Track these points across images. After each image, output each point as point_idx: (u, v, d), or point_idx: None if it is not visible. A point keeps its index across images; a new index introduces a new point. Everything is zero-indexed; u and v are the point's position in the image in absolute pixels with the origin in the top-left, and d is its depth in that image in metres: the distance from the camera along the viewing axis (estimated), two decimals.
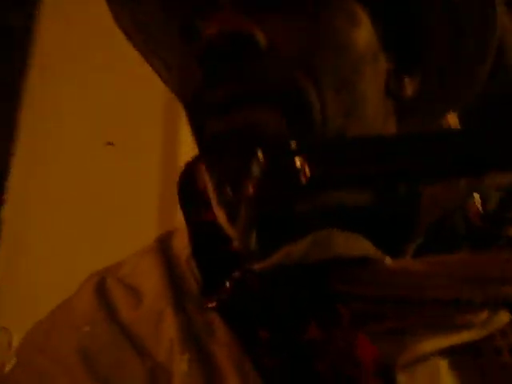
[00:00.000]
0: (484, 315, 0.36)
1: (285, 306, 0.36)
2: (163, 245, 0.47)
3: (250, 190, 0.30)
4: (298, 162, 0.29)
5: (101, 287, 0.43)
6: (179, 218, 0.99)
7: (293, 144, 0.31)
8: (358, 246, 0.37)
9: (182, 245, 0.46)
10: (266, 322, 0.36)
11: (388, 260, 0.37)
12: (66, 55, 1.14)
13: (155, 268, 0.44)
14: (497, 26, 0.44)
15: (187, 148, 1.15)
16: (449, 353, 0.35)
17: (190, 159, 0.51)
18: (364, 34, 0.41)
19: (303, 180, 0.29)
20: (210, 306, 0.38)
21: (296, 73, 0.38)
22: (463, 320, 0.35)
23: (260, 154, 0.30)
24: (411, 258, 0.39)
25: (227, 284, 0.37)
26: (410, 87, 0.45)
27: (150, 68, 1.14)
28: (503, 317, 0.36)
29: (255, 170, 0.30)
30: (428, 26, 0.45)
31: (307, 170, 0.29)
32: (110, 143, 1.06)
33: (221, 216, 0.43)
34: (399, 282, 0.36)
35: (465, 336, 0.35)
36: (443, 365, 0.35)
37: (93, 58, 1.16)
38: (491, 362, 0.35)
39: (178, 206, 1.02)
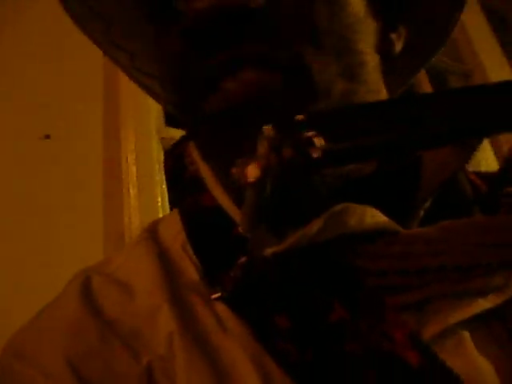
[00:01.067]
0: (501, 279, 0.35)
1: (303, 289, 0.35)
2: (152, 234, 0.44)
3: (257, 170, 0.28)
4: (308, 135, 0.27)
5: (86, 287, 0.40)
6: (125, 216, 0.96)
7: (300, 117, 0.29)
8: (374, 219, 0.36)
9: (172, 232, 0.43)
10: (284, 308, 0.34)
11: (402, 230, 0.37)
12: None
13: (147, 259, 0.41)
14: None
15: (129, 141, 1.12)
16: (473, 323, 0.34)
17: (172, 145, 0.49)
18: None
19: (315, 154, 0.26)
20: (214, 297, 0.36)
21: (294, 35, 0.37)
22: (483, 284, 0.35)
23: (267, 130, 0.27)
24: (426, 226, 0.38)
25: (232, 272, 0.34)
26: (397, 44, 0.45)
27: (89, 56, 1.10)
28: None
29: (261, 147, 0.28)
30: None
31: (319, 143, 0.26)
32: (47, 136, 0.99)
33: (224, 200, 0.41)
34: (417, 251, 0.35)
35: (486, 303, 0.35)
36: (468, 335, 0.34)
37: (28, 46, 1.09)
38: None
39: (124, 204, 0.98)
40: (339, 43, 0.38)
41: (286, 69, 0.36)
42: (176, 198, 0.46)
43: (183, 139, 0.48)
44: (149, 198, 1.05)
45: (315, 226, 0.35)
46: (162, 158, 1.19)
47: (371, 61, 0.41)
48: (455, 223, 0.37)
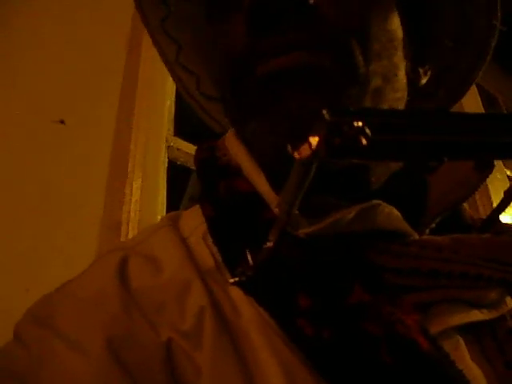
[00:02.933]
0: (496, 295, 0.39)
1: (325, 271, 0.37)
2: (173, 223, 0.46)
3: (309, 149, 0.29)
4: (359, 123, 0.29)
5: (123, 263, 0.40)
6: (126, 206, 0.96)
7: (352, 108, 0.31)
8: (398, 220, 0.40)
9: (192, 224, 0.45)
10: (305, 288, 0.36)
11: (416, 236, 0.41)
12: (15, 29, 1.07)
13: (171, 241, 0.43)
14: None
15: (139, 139, 1.12)
16: (468, 329, 0.38)
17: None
18: (396, 17, 0.45)
19: (363, 142, 0.28)
20: (232, 281, 0.37)
21: (346, 31, 0.41)
22: (481, 296, 0.39)
23: (326, 114, 0.29)
24: (437, 235, 0.41)
25: (258, 256, 0.35)
26: (423, 78, 0.50)
27: (107, 46, 1.12)
28: (510, 302, 0.40)
29: (318, 129, 0.29)
30: (439, 15, 0.50)
31: (368, 132, 0.29)
32: (61, 121, 0.99)
33: (260, 182, 0.43)
34: (430, 254, 0.39)
35: (482, 315, 0.38)
36: (463, 342, 0.37)
37: (47, 31, 1.10)
38: (506, 341, 0.38)
39: (126, 193, 0.98)
40: (381, 50, 0.43)
41: (336, 55, 0.40)
42: (206, 186, 0.47)
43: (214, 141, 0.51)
44: (150, 197, 1.05)
45: (348, 213, 0.38)
46: (166, 163, 1.20)
47: (402, 77, 0.46)
48: (466, 237, 0.41)
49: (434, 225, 0.45)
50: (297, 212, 0.33)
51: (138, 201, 1.01)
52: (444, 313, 0.38)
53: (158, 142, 1.16)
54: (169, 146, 1.24)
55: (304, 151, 0.30)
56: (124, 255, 0.41)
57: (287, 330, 0.35)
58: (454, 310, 0.38)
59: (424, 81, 0.50)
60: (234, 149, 0.48)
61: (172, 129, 1.29)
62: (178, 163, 1.27)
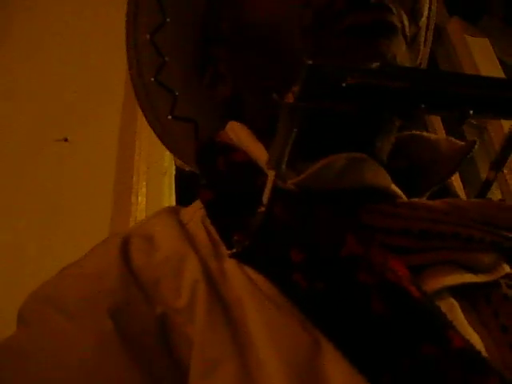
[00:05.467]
0: (491, 259, 0.39)
1: (317, 225, 0.37)
2: (173, 210, 0.47)
3: (294, 94, 0.31)
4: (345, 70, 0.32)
5: (125, 243, 0.42)
6: (133, 217, 0.98)
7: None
8: (386, 181, 0.41)
9: (191, 210, 0.46)
10: (298, 243, 0.37)
11: (404, 198, 0.42)
12: (18, 44, 1.10)
13: (169, 222, 0.44)
14: None
15: (143, 150, 1.14)
16: (463, 294, 0.38)
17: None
18: None
19: (343, 84, 0.31)
20: (230, 253, 0.39)
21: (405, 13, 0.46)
22: (475, 259, 0.39)
23: (307, 61, 0.31)
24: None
25: (253, 221, 0.37)
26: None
27: (109, 62, 1.13)
28: (506, 268, 0.40)
29: (301, 75, 0.32)
30: None
31: (349, 79, 0.31)
32: (64, 139, 1.02)
33: (257, 149, 0.45)
34: (422, 215, 0.39)
35: (476, 278, 0.38)
36: (457, 305, 0.37)
37: (48, 49, 1.12)
38: (501, 306, 0.37)
39: (132, 209, 1.00)
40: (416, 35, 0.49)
41: (401, 18, 0.46)
42: (205, 168, 0.49)
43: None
44: (156, 206, 1.06)
45: (336, 161, 0.40)
46: (172, 172, 1.22)
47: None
48: (458, 200, 0.42)
49: (434, 188, 0.47)
50: (284, 167, 0.35)
51: (144, 210, 1.03)
52: (437, 274, 0.38)
53: (161, 151, 1.18)
54: None
55: (289, 99, 0.32)
56: (126, 236, 0.42)
57: (283, 288, 0.36)
58: (447, 272, 0.38)
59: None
60: (235, 129, 0.49)
61: None
62: (187, 170, 1.28)
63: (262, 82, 0.48)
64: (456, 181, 1.16)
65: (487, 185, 0.45)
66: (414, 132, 0.52)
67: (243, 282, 0.37)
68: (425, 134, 0.52)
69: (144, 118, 1.15)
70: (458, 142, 0.49)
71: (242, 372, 0.33)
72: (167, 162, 1.20)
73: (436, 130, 1.76)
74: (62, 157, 1.01)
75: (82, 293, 0.38)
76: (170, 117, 0.59)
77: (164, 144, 0.63)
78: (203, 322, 0.35)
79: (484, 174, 0.46)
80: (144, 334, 0.35)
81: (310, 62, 0.31)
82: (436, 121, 1.67)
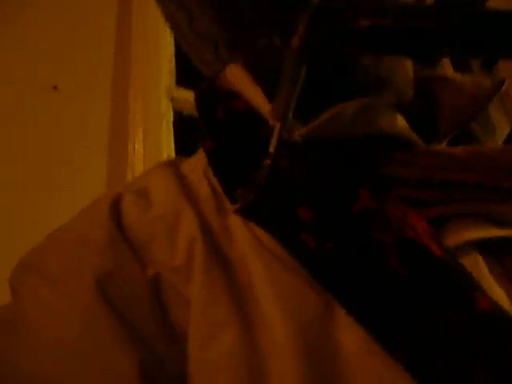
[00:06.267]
0: None
1: (326, 179, 0.35)
2: (172, 162, 0.45)
3: (298, 38, 0.28)
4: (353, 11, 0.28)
5: (116, 200, 0.39)
6: (129, 172, 0.96)
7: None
8: (403, 126, 0.38)
9: (192, 162, 0.44)
10: (306, 200, 0.34)
11: (423, 144, 0.38)
12: None
13: (165, 177, 0.41)
14: None
15: (137, 97, 1.10)
16: (488, 249, 0.34)
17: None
18: None
19: (357, 25, 0.27)
20: (234, 209, 0.36)
21: None
22: (501, 211, 0.36)
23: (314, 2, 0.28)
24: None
25: (258, 174, 0.34)
26: None
27: (102, 8, 1.08)
28: None
29: (304, 18, 0.28)
30: None
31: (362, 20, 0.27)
32: (54, 87, 0.98)
33: (257, 95, 0.41)
34: (443, 164, 0.36)
35: (501, 232, 0.35)
36: (482, 260, 0.33)
37: None
38: None
39: (129, 159, 0.97)
40: None
41: None
42: (205, 116, 0.45)
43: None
44: (154, 151, 1.04)
45: (346, 108, 0.36)
46: (170, 117, 1.18)
47: None
48: (481, 147, 0.38)
49: (445, 142, 0.42)
50: (291, 117, 0.31)
51: (142, 158, 1.00)
52: (460, 228, 0.34)
53: (157, 95, 1.14)
54: (173, 98, 1.22)
55: (293, 43, 0.29)
56: (118, 194, 0.40)
57: (290, 248, 0.33)
58: (471, 225, 0.35)
59: None
60: (235, 75, 0.45)
61: (173, 79, 1.26)
62: (184, 114, 1.25)
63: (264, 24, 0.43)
64: None
65: None
66: (437, 73, 0.47)
67: (248, 239, 0.35)
68: (450, 74, 0.46)
69: (138, 61, 1.12)
70: (485, 81, 0.43)
71: (245, 334, 0.30)
72: (164, 107, 1.16)
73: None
74: (51, 105, 0.97)
75: (68, 258, 0.36)
76: None
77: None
78: (201, 281, 0.33)
79: (497, 124, 0.42)
80: (134, 298, 0.33)
81: (316, 1, 0.28)
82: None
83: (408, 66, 0.43)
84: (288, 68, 0.30)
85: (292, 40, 0.29)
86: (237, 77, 0.45)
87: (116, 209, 0.38)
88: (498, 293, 0.31)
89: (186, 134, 1.28)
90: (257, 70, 0.44)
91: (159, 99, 1.15)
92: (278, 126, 0.32)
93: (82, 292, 0.33)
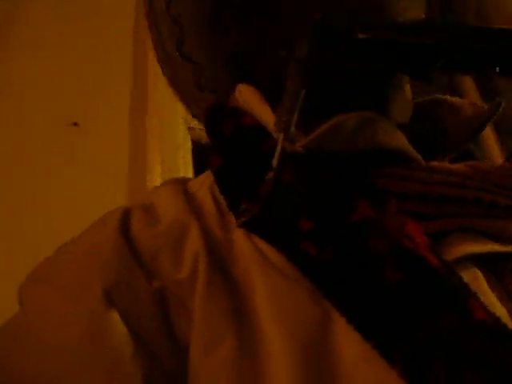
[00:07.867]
0: None
1: (326, 190, 0.36)
2: (180, 180, 0.46)
3: (304, 47, 0.31)
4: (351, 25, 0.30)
5: (125, 215, 0.40)
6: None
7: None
8: (402, 142, 0.38)
9: (199, 180, 0.45)
10: (307, 211, 0.35)
11: (422, 161, 0.39)
12: (27, 32, 1.09)
13: (172, 193, 0.42)
14: None
15: (155, 128, 1.13)
16: (486, 264, 0.35)
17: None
18: None
19: (360, 36, 0.30)
20: (239, 222, 0.37)
21: None
22: (500, 227, 0.36)
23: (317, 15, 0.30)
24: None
25: (262, 188, 0.36)
26: None
27: (119, 46, 1.11)
28: None
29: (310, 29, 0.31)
30: None
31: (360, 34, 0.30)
32: (75, 124, 1.01)
33: (264, 113, 0.43)
34: (441, 179, 0.37)
35: (500, 247, 0.36)
36: (481, 275, 0.34)
37: (57, 36, 1.11)
38: None
39: (147, 181, 0.98)
40: None
41: None
42: (213, 132, 0.47)
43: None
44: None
45: (348, 119, 0.37)
46: (189, 147, 1.21)
47: None
48: (480, 163, 0.39)
49: (452, 155, 0.43)
50: (293, 128, 0.33)
51: None
52: (458, 242, 0.35)
53: (174, 125, 1.16)
54: (190, 128, 1.25)
55: (297, 55, 0.32)
56: (127, 209, 0.41)
57: (292, 257, 0.34)
58: (469, 240, 0.35)
59: None
60: (244, 93, 0.47)
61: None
62: (203, 142, 1.27)
63: (270, 42, 0.45)
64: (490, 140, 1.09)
65: None
66: (436, 96, 0.49)
67: (251, 253, 0.36)
68: (448, 97, 0.48)
69: (153, 95, 1.15)
70: (483, 105, 0.45)
71: (243, 348, 0.31)
72: (181, 137, 1.18)
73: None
74: (72, 141, 1.01)
75: (76, 268, 0.37)
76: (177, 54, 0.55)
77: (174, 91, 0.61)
78: (203, 294, 0.34)
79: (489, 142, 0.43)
80: (139, 308, 0.34)
81: (318, 16, 0.30)
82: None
83: (407, 89, 0.44)
84: (291, 79, 0.32)
85: (295, 52, 0.31)
86: (244, 92, 0.47)
87: (125, 223, 0.39)
88: (497, 306, 0.32)
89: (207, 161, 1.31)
90: (264, 85, 0.46)
91: (176, 130, 1.17)
92: (281, 137, 0.33)
93: (89, 299, 0.34)
